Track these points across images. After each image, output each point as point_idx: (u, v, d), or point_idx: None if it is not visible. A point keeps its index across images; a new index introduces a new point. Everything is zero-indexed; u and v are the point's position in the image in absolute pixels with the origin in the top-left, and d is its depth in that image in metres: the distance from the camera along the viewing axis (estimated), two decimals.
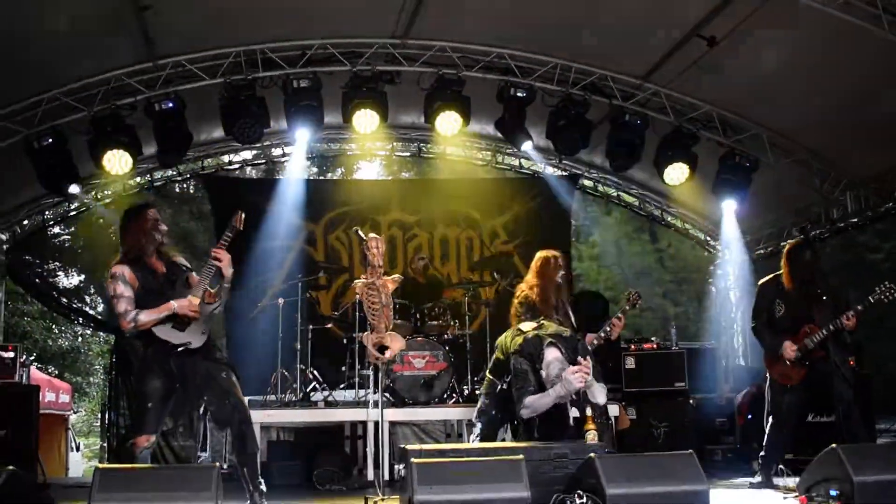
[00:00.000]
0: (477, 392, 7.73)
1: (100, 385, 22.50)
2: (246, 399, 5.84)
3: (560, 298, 6.83)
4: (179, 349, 5.55)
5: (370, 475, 7.82)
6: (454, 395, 8.92)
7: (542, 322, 6.37)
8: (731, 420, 10.01)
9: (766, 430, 6.94)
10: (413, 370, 8.82)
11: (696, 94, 9.71)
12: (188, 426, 5.34)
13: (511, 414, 6.35)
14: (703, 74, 9.07)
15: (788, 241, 9.17)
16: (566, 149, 9.91)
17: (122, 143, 9.09)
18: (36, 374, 12.41)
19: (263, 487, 5.66)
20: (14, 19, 7.37)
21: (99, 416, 20.62)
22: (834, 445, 5.23)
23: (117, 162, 9.11)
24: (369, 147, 12.80)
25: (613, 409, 8.28)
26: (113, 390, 11.46)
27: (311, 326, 9.48)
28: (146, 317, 5.44)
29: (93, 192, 11.68)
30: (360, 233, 5.91)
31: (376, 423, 7.45)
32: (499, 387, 6.46)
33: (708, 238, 12.95)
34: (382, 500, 5.78)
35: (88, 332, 21.94)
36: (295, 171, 12.65)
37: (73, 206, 12.11)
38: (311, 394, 9.35)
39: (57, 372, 20.22)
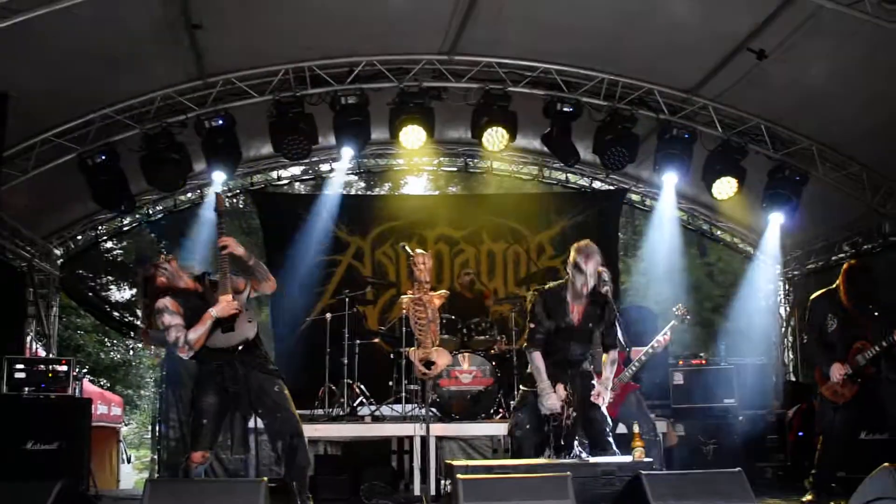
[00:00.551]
0: None
1: (150, 398, 22.71)
2: None
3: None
4: (240, 347, 5.60)
5: (417, 490, 7.85)
6: (501, 410, 8.90)
7: None
8: (781, 437, 9.83)
9: (818, 448, 6.84)
10: (460, 385, 8.84)
11: (745, 107, 9.62)
12: (239, 439, 5.40)
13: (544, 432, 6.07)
14: (752, 87, 8.99)
15: (843, 257, 9.00)
16: (613, 163, 9.82)
17: (174, 161, 9.27)
18: (88, 386, 12.65)
19: (311, 502, 5.69)
20: (67, 38, 7.50)
21: (150, 428, 20.90)
22: (886, 464, 5.14)
23: (171, 178, 9.29)
24: (416, 162, 12.87)
25: (661, 426, 8.21)
26: (163, 403, 11.58)
27: (358, 341, 9.48)
28: (194, 334, 5.48)
29: (145, 208, 11.90)
30: (407, 248, 5.95)
31: (423, 438, 7.47)
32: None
33: (758, 252, 12.79)
34: None
35: (140, 345, 22.19)
36: (342, 186, 12.74)
37: (125, 222, 12.39)
38: (359, 408, 9.38)
39: (109, 385, 20.48)
